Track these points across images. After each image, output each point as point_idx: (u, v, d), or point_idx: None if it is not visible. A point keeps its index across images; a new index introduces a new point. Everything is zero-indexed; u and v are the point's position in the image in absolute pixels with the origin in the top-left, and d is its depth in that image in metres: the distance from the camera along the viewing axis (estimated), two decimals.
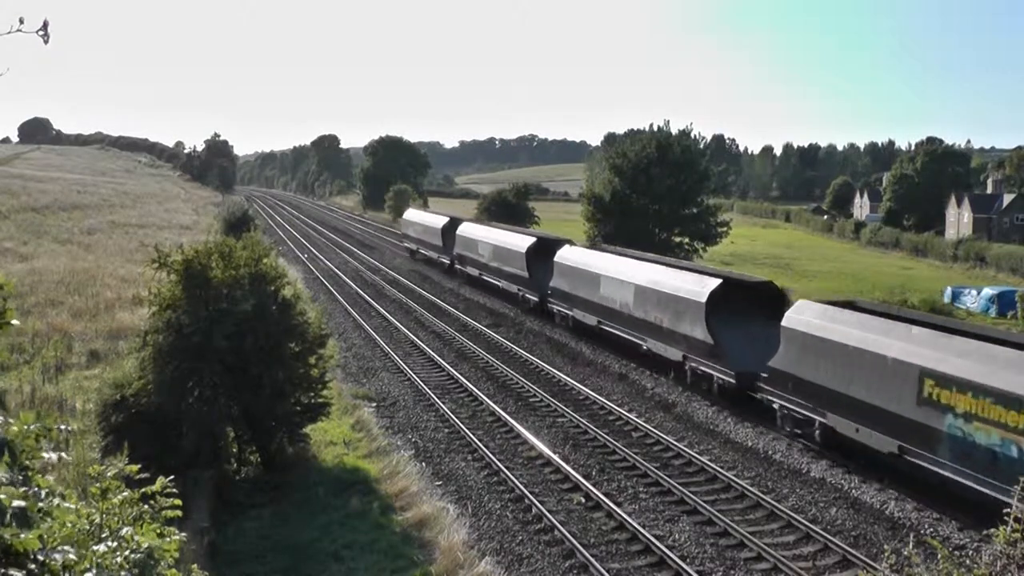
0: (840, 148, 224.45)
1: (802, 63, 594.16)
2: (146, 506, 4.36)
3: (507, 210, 67.64)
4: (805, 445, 20.82)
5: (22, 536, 3.03)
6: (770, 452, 20.82)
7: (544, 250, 38.27)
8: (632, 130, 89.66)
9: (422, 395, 25.70)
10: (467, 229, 49.44)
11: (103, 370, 24.83)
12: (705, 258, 59.08)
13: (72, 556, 3.33)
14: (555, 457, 20.05)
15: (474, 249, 46.57)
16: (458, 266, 50.04)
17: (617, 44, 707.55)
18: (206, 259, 18.47)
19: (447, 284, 49.25)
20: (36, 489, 3.48)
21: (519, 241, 41.37)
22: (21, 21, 3.62)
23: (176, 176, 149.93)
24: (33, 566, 3.12)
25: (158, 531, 4.12)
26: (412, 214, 65.06)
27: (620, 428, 22.87)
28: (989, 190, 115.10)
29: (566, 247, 36.92)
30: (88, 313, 33.20)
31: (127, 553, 3.71)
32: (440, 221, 55.23)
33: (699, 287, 25.60)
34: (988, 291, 52.05)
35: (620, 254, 34.16)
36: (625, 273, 30.24)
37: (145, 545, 3.76)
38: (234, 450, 19.08)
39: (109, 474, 4.31)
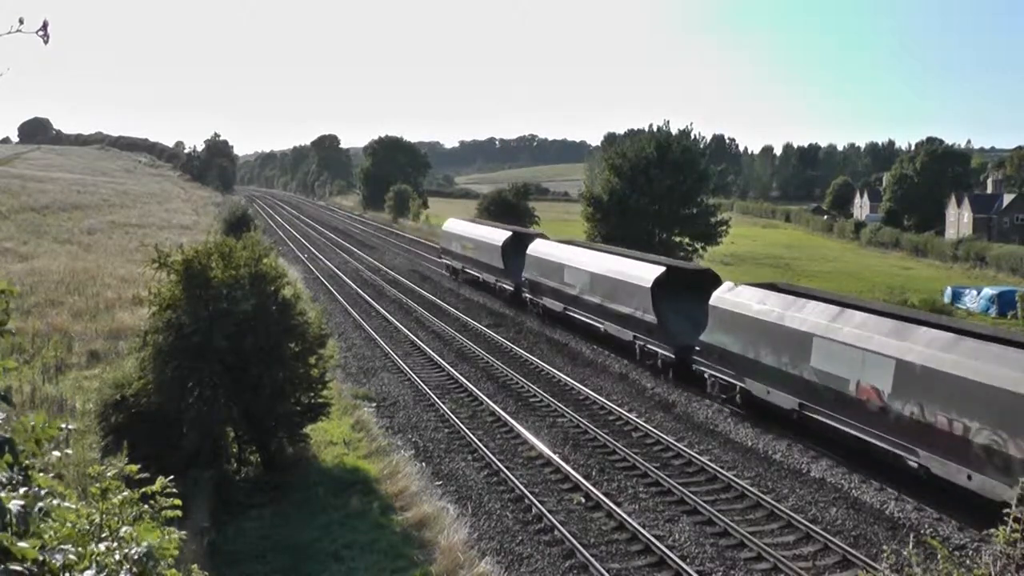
0: (840, 148, 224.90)
1: (802, 63, 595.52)
2: (146, 506, 4.36)
3: (507, 210, 67.59)
4: (805, 445, 20.80)
5: (20, 544, 3.04)
6: (770, 452, 20.81)
7: (681, 283, 28.01)
8: (632, 130, 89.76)
9: (422, 395, 25.70)
10: (543, 249, 37.99)
11: (103, 370, 24.83)
12: (705, 258, 59.07)
13: (72, 556, 3.33)
14: (555, 457, 20.04)
15: (556, 276, 35.19)
16: (527, 295, 38.90)
17: (617, 44, 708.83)
18: (206, 259, 18.46)
19: (446, 284, 49.24)
20: (36, 488, 3.48)
21: (637, 270, 29.43)
22: (21, 21, 3.62)
23: (176, 176, 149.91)
24: (33, 565, 3.13)
25: (158, 531, 4.12)
26: (456, 225, 51.60)
27: (620, 428, 22.86)
28: (989, 190, 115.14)
29: (729, 285, 24.92)
30: (88, 313, 33.19)
31: (127, 552, 3.71)
32: (500, 236, 43.14)
33: None
34: (988, 291, 52.08)
35: (839, 303, 21.30)
36: (878, 340, 18.49)
37: (144, 544, 3.76)
38: (234, 450, 19.07)
39: (109, 474, 4.30)
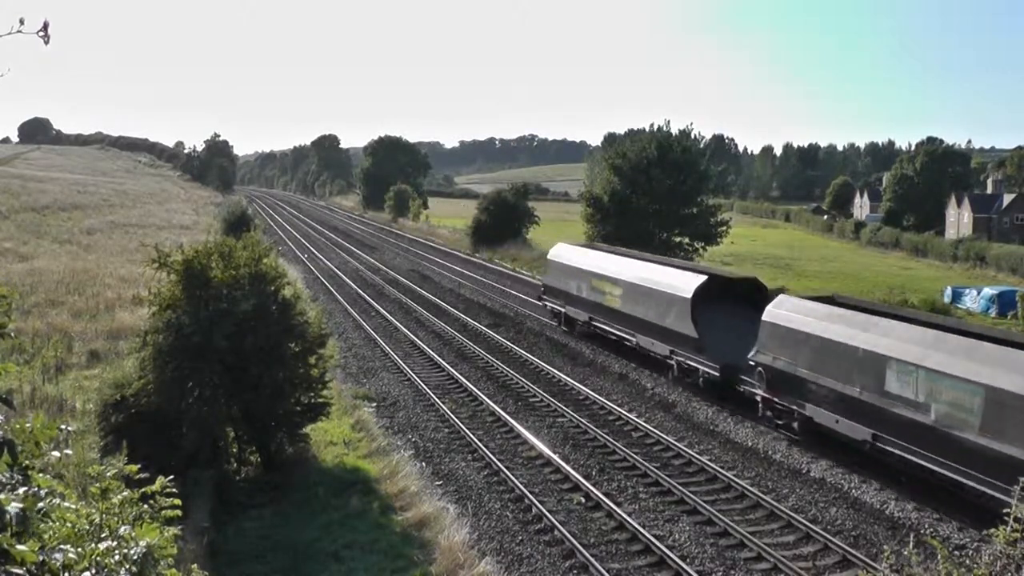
0: (840, 148, 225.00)
1: (802, 63, 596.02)
2: (146, 506, 4.36)
3: (507, 210, 67.57)
4: (805, 444, 20.78)
5: (18, 547, 3.04)
6: (770, 452, 20.81)
7: None
8: (632, 130, 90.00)
9: (422, 395, 25.69)
10: (817, 321, 20.49)
11: (103, 370, 24.82)
12: (705, 258, 59.07)
13: (72, 556, 3.33)
14: (555, 457, 20.04)
15: (858, 372, 18.77)
16: (760, 392, 21.85)
17: (617, 44, 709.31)
18: (206, 259, 18.46)
19: (447, 284, 49.21)
20: (36, 489, 3.48)
21: None
22: (21, 21, 3.62)
23: (176, 176, 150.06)
24: (33, 566, 3.13)
25: (158, 531, 4.12)
26: (577, 255, 34.69)
27: (620, 428, 22.86)
28: (989, 190, 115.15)
29: None
30: (88, 313, 33.19)
31: (126, 552, 3.71)
32: (685, 281, 26.28)
33: None
34: (988, 291, 52.08)
35: None
36: None
37: (143, 543, 3.77)
38: (234, 450, 19.06)
39: (109, 474, 4.30)
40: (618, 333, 30.09)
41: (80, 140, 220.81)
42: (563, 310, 34.45)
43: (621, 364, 29.35)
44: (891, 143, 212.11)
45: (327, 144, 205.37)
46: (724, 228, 60.66)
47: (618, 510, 16.94)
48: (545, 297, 36.50)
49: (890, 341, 18.27)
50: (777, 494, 18.20)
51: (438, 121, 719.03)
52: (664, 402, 25.27)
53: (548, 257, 37.30)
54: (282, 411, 18.95)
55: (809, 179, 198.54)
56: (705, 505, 17.30)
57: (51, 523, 3.55)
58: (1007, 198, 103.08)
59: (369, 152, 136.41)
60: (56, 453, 4.04)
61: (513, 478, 18.64)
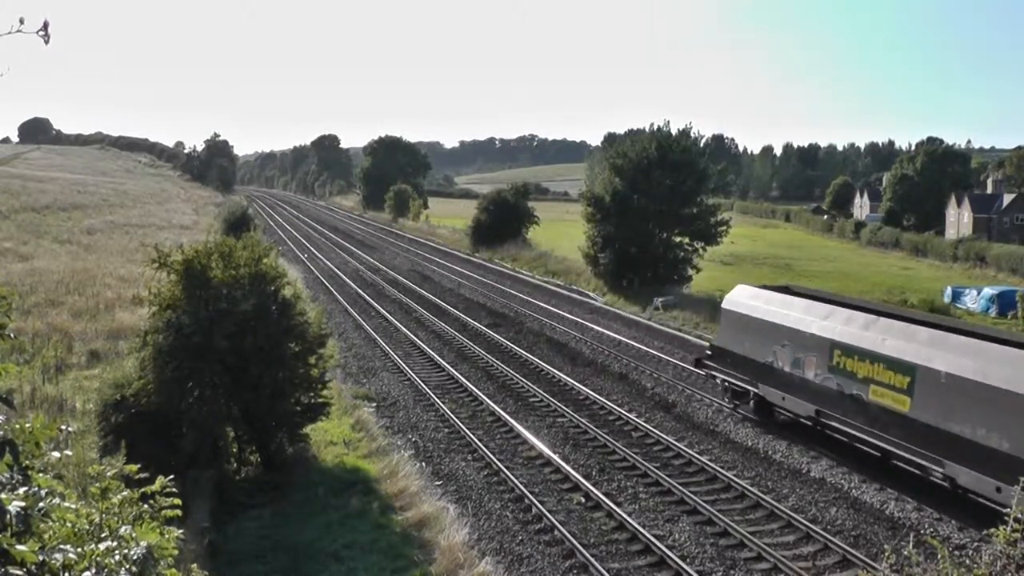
0: (840, 148, 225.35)
1: (802, 63, 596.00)
2: (146, 506, 4.36)
3: (507, 210, 67.48)
4: (805, 444, 20.79)
5: (18, 547, 3.04)
6: (770, 452, 20.81)
7: None
8: (632, 130, 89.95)
9: (422, 395, 25.69)
10: None
11: (103, 370, 24.81)
12: (705, 258, 59.04)
13: (72, 556, 3.33)
14: (555, 457, 20.04)
15: None
16: None
17: (617, 44, 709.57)
18: (206, 259, 18.45)
19: (447, 284, 49.18)
20: (36, 489, 3.48)
21: None
22: (21, 21, 3.62)
23: (176, 176, 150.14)
24: (33, 566, 3.13)
25: (158, 531, 4.12)
26: (792, 310, 22.02)
27: (620, 428, 22.85)
28: (989, 190, 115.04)
29: None
30: (88, 313, 33.17)
31: (126, 552, 3.71)
32: None
33: None
34: (988, 291, 52.03)
35: None
36: None
37: (144, 543, 3.76)
38: (234, 450, 19.05)
39: (109, 474, 4.30)
40: (897, 452, 18.16)
41: (80, 140, 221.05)
42: (754, 389, 22.86)
43: (621, 364, 29.34)
44: (891, 143, 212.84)
45: (327, 144, 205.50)
46: (724, 228, 60.54)
47: (618, 510, 16.94)
48: (712, 363, 24.79)
49: None
50: (777, 494, 18.20)
51: (438, 121, 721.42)
52: (664, 402, 25.26)
53: (724, 307, 25.04)
54: (282, 411, 18.94)
55: (809, 179, 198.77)
56: (705, 505, 17.30)
57: (51, 523, 3.54)
58: (1007, 198, 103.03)
59: (369, 152, 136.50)
60: (56, 453, 4.04)
61: (513, 478, 18.64)
